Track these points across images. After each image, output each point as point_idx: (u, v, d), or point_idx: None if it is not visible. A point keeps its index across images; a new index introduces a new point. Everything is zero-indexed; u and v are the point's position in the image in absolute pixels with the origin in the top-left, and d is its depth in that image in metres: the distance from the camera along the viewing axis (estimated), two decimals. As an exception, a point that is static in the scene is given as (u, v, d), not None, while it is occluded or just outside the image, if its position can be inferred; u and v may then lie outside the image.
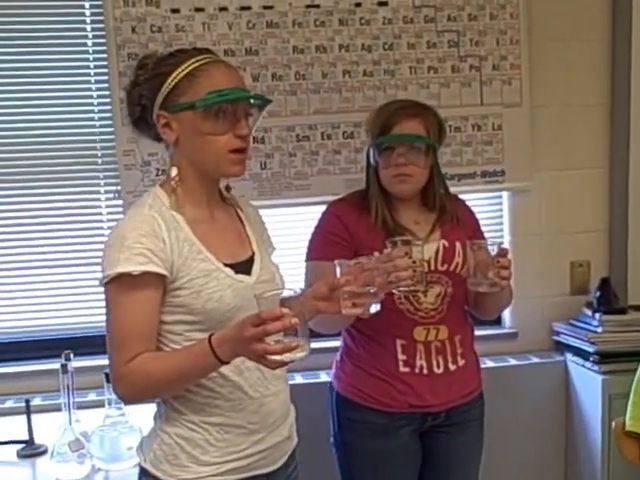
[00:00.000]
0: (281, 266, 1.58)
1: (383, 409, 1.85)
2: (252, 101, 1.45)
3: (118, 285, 1.33)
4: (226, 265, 1.41)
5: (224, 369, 1.37)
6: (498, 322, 2.64)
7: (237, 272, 1.42)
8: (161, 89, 1.39)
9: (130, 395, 1.38)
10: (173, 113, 1.39)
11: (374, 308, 1.51)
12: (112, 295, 1.35)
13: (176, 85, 1.38)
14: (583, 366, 2.46)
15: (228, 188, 1.55)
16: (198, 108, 1.36)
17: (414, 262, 1.61)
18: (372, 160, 1.89)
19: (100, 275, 1.37)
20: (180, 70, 1.38)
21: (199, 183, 1.44)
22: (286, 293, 1.28)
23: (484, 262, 1.69)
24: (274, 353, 1.21)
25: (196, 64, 1.39)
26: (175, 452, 1.40)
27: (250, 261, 1.48)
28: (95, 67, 2.31)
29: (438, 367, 1.86)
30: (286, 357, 1.22)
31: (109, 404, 1.83)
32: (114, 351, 1.35)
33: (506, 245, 2.54)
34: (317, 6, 2.38)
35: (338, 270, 1.51)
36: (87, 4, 2.30)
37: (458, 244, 1.89)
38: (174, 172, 1.42)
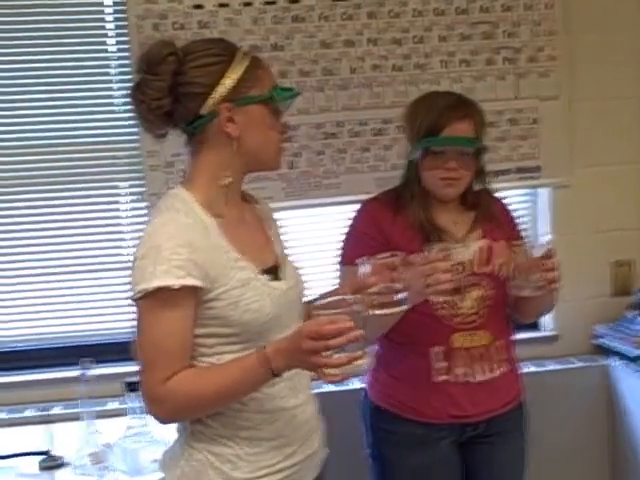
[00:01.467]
0: (309, 269, 1.51)
1: (421, 420, 1.76)
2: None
3: (154, 300, 1.23)
4: (261, 272, 1.34)
5: None
6: (537, 325, 2.54)
7: (270, 279, 1.35)
8: (222, 79, 1.29)
9: (170, 416, 1.30)
10: (241, 106, 1.31)
11: (404, 306, 1.40)
12: (146, 310, 1.25)
13: (243, 76, 1.31)
14: (627, 370, 2.35)
15: None
16: (274, 103, 1.33)
17: (453, 265, 1.52)
18: (415, 159, 1.77)
19: (128, 287, 1.28)
20: (239, 60, 1.32)
21: (238, 181, 1.37)
22: (335, 299, 1.22)
23: (527, 264, 1.59)
24: (337, 366, 1.15)
25: (249, 55, 1.34)
26: (204, 468, 1.32)
27: (276, 265, 1.40)
28: (117, 66, 2.26)
29: (478, 375, 1.77)
30: (347, 369, 1.16)
31: (131, 413, 1.76)
32: (148, 370, 1.26)
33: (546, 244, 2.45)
34: (345, -1, 2.30)
35: (363, 269, 1.41)
36: (109, 1, 2.25)
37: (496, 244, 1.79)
38: (228, 175, 1.33)
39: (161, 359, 1.24)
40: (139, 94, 1.33)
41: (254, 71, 1.32)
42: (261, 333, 1.30)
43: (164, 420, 1.31)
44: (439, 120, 1.72)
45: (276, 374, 1.21)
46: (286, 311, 1.36)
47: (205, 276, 1.26)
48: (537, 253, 1.62)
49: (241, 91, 1.31)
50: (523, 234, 1.95)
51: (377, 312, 1.36)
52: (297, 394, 1.37)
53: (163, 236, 1.25)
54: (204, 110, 1.31)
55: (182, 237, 1.25)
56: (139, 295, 1.25)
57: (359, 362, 1.17)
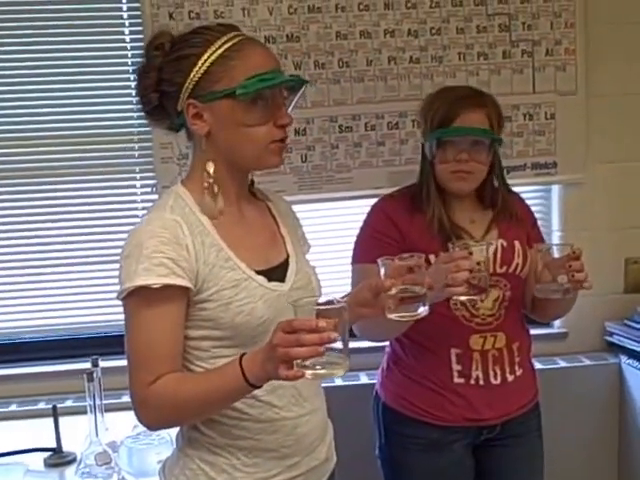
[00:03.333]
0: (322, 267, 1.47)
1: (436, 423, 1.75)
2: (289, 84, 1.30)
3: (137, 299, 1.20)
4: (258, 272, 1.28)
5: None
6: (553, 317, 2.51)
7: (270, 279, 1.29)
8: (190, 74, 1.23)
9: (154, 421, 1.25)
10: (206, 102, 1.23)
11: (423, 310, 1.34)
12: (131, 311, 1.22)
13: (208, 70, 1.23)
14: (639, 368, 2.34)
15: (252, 183, 1.39)
16: (239, 96, 1.21)
17: (477, 264, 1.47)
18: (428, 154, 1.75)
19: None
20: (211, 52, 1.23)
21: (229, 178, 1.29)
22: (325, 301, 1.16)
23: (553, 265, 1.56)
24: (300, 357, 1.06)
25: (228, 44, 1.24)
26: (198, 478, 1.29)
27: (285, 265, 1.35)
28: (132, 56, 2.22)
29: (495, 378, 1.75)
30: (318, 370, 1.07)
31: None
32: (134, 372, 1.22)
33: (555, 241, 2.43)
34: (362, -11, 2.26)
35: (382, 270, 1.36)
36: (123, -10, 2.22)
37: (517, 243, 1.77)
38: (211, 168, 1.26)
39: (146, 361, 1.21)
40: (135, 89, 1.31)
41: (224, 62, 1.23)
42: (255, 337, 1.24)
43: (150, 425, 1.27)
44: (451, 110, 1.68)
45: (253, 384, 1.14)
46: (289, 314, 1.28)
47: (194, 275, 1.22)
48: (558, 254, 1.60)
49: (206, 86, 1.23)
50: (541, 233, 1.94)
51: (393, 316, 1.33)
52: (302, 402, 1.32)
53: (147, 234, 1.21)
54: (179, 107, 1.26)
55: (166, 235, 1.20)
56: (123, 295, 1.21)
57: (336, 371, 1.10)
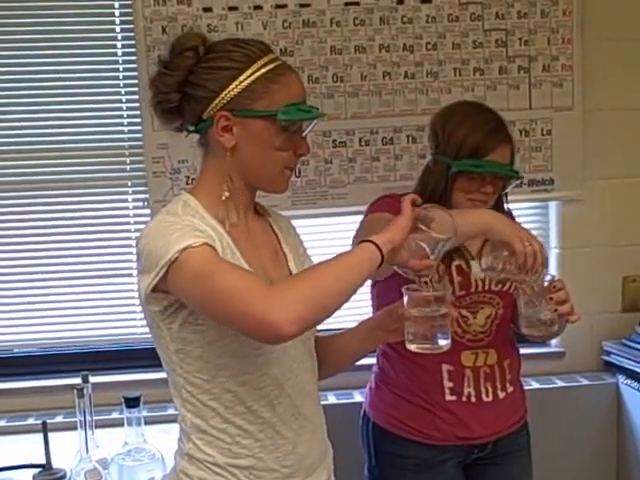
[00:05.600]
0: None
1: (428, 442, 1.73)
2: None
3: (188, 260, 1.14)
4: None
5: (254, 404, 1.24)
6: (544, 340, 2.49)
7: None
8: (229, 86, 1.22)
9: (298, 311, 1.09)
10: (241, 117, 1.23)
11: (445, 345, 1.28)
12: (195, 271, 1.14)
13: (249, 86, 1.23)
14: (637, 388, 2.30)
15: None
16: (278, 120, 1.23)
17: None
18: (444, 176, 1.70)
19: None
20: (254, 69, 1.23)
21: (242, 194, 1.30)
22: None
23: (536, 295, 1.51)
24: None
25: (271, 65, 1.25)
26: None
27: None
28: (124, 70, 2.22)
29: (487, 395, 1.74)
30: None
31: (129, 425, 1.70)
32: (246, 296, 1.11)
33: (552, 258, 2.40)
34: (357, 3, 2.25)
35: (405, 299, 1.31)
36: (117, 4, 2.20)
37: None
38: (227, 184, 1.26)
39: (251, 279, 1.14)
40: (153, 84, 1.29)
41: (267, 83, 1.23)
42: (252, 357, 1.23)
43: (293, 321, 1.09)
44: (486, 143, 1.67)
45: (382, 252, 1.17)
46: None
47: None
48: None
49: (244, 102, 1.23)
50: None
51: (413, 347, 1.28)
52: (302, 421, 1.30)
53: (168, 220, 1.20)
54: (206, 114, 1.25)
55: (187, 222, 1.20)
56: (165, 269, 1.15)
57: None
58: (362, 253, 1.18)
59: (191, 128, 1.31)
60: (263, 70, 1.24)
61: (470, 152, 1.67)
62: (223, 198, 1.26)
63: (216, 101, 1.24)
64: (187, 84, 1.26)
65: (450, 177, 1.69)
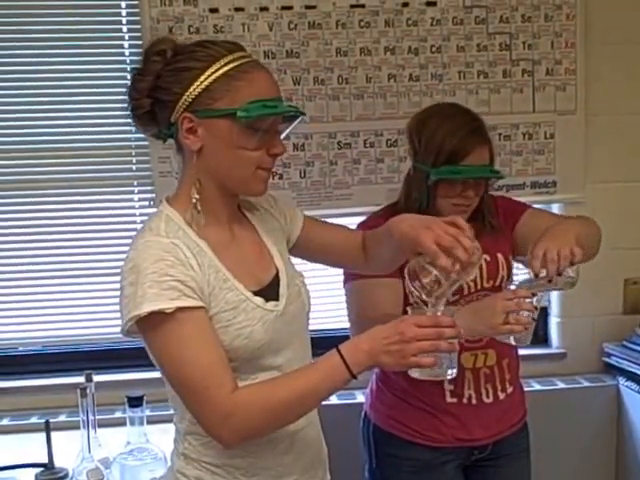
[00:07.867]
0: (316, 285, 1.42)
1: (428, 444, 1.74)
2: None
3: (154, 324, 1.15)
4: (255, 293, 1.25)
5: None
6: (545, 341, 2.51)
7: (267, 299, 1.26)
8: (190, 87, 1.20)
9: (243, 433, 1.17)
10: (203, 118, 1.20)
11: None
12: (155, 336, 1.16)
13: (210, 86, 1.20)
14: (637, 390, 2.32)
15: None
16: (240, 118, 1.19)
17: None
18: (424, 183, 1.70)
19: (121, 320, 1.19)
20: (215, 68, 1.20)
21: (220, 198, 1.26)
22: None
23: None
24: (436, 350, 1.14)
25: (234, 63, 1.21)
26: None
27: (276, 280, 1.31)
28: (131, 70, 2.20)
29: (487, 396, 1.75)
30: (437, 372, 1.17)
31: (131, 425, 1.70)
32: (204, 391, 1.14)
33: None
34: (362, 6, 2.26)
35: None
36: (124, 4, 2.21)
37: (500, 256, 1.77)
38: (196, 186, 1.23)
39: (211, 373, 1.14)
40: (127, 90, 1.28)
41: (229, 81, 1.20)
42: (251, 360, 1.23)
43: (235, 441, 1.18)
44: (462, 147, 1.65)
45: (354, 374, 1.14)
46: (285, 333, 1.28)
47: (202, 293, 1.19)
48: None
49: (206, 102, 1.20)
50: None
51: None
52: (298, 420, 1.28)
53: (151, 258, 1.16)
54: (173, 118, 1.23)
55: (171, 258, 1.17)
56: (132, 322, 1.16)
57: (449, 372, 1.19)
58: (335, 383, 1.16)
59: (168, 133, 1.28)
60: (225, 68, 1.21)
61: (447, 158, 1.65)
62: (193, 201, 1.23)
63: (179, 103, 1.21)
64: (157, 89, 1.24)
65: (431, 185, 1.69)
